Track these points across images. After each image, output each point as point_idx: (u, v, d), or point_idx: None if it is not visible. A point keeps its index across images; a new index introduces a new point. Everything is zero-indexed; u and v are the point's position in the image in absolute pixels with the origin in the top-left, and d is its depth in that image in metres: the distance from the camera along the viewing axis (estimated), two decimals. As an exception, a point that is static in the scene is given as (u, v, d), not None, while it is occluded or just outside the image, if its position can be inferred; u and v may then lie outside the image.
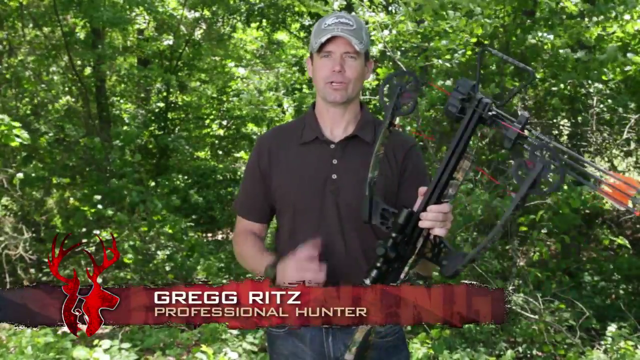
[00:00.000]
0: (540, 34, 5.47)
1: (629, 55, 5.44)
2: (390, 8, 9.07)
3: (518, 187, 1.78)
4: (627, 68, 5.77)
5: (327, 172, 2.30)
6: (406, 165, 2.35)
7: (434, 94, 5.54)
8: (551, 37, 5.44)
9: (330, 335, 2.29)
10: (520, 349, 5.52)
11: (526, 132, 1.84)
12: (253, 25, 10.97)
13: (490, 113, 1.88)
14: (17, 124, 5.49)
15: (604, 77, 6.09)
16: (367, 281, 2.00)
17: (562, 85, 6.48)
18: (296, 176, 2.33)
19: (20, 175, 7.31)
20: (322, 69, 2.29)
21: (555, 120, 7.36)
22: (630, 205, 1.69)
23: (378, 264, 2.00)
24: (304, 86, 11.01)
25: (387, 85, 2.11)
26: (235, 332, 5.64)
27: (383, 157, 2.19)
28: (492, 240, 1.92)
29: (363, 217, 2.08)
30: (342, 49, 2.25)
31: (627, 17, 5.70)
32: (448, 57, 5.59)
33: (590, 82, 6.36)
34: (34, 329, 5.33)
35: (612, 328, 5.22)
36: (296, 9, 5.91)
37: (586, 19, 5.68)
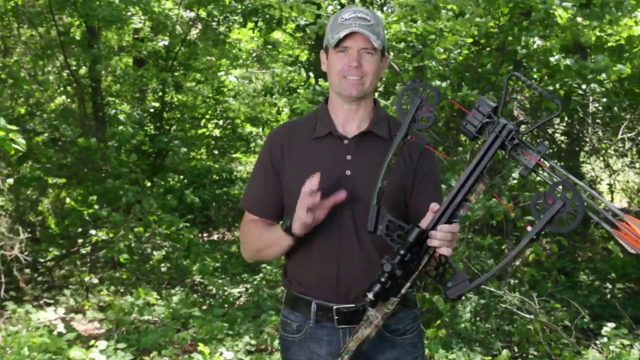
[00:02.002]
0: (533, 39, 5.46)
1: (619, 66, 5.44)
2: (384, 8, 9.07)
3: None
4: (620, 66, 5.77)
5: (341, 168, 2.26)
6: (421, 164, 2.33)
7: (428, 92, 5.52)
8: (540, 42, 5.44)
9: (348, 335, 2.23)
10: (516, 349, 5.53)
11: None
12: (249, 25, 10.95)
13: (513, 141, 1.87)
14: (14, 127, 5.47)
15: (598, 78, 6.10)
16: (370, 295, 1.97)
17: (557, 85, 6.48)
18: (309, 172, 2.22)
19: (10, 180, 7.30)
20: (338, 63, 2.24)
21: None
22: None
23: (382, 279, 1.96)
24: (298, 86, 11.00)
25: (405, 95, 2.09)
26: (231, 332, 5.65)
27: (394, 165, 2.16)
28: (500, 270, 1.92)
29: (368, 227, 2.04)
30: (359, 45, 2.21)
31: (624, 20, 5.70)
32: (444, 56, 5.59)
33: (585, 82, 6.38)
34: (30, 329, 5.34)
35: (607, 328, 5.23)
36: (285, 14, 5.89)
37: (581, 20, 5.67)
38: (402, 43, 5.80)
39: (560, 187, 1.75)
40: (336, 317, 2.26)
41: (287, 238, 2.19)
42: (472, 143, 5.73)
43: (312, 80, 5.90)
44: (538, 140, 7.51)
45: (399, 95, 2.10)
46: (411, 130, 2.07)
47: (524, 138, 1.88)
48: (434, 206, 1.98)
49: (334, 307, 2.25)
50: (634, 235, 1.67)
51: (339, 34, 2.20)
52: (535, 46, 5.41)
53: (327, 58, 2.33)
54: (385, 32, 2.37)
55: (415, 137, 2.13)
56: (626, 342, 5.01)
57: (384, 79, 6.58)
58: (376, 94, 6.13)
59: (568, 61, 5.48)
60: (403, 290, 2.03)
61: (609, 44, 6.43)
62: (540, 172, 1.86)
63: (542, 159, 1.83)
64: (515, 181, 5.69)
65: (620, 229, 1.70)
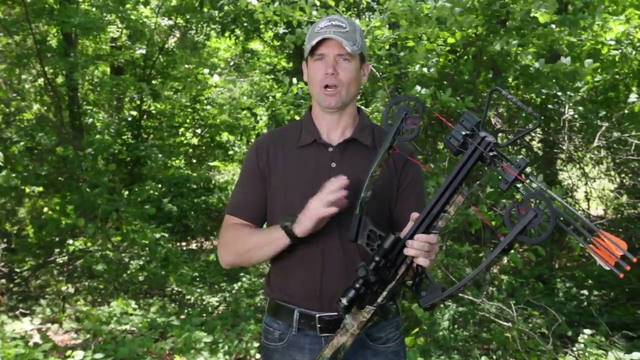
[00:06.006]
0: (513, 42, 5.49)
1: (587, 61, 5.46)
2: (363, 16, 9.09)
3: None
4: (598, 78, 5.81)
5: (326, 175, 2.23)
6: (406, 174, 2.33)
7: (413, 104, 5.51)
8: (515, 43, 5.46)
9: None
10: (494, 357, 5.55)
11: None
12: (227, 34, 10.96)
13: (491, 153, 1.85)
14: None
15: (575, 86, 6.15)
16: (344, 300, 1.98)
17: (534, 95, 6.53)
18: (294, 179, 2.28)
19: None
20: (316, 72, 2.25)
21: (528, 127, 7.42)
22: (616, 266, 1.67)
23: (357, 285, 1.97)
24: (278, 94, 11.02)
25: (392, 108, 2.10)
26: (209, 340, 5.62)
27: (378, 178, 2.16)
28: (472, 279, 1.91)
29: (349, 236, 2.05)
30: (334, 51, 2.22)
31: (599, 23, 5.75)
32: (422, 62, 5.61)
33: (561, 89, 6.43)
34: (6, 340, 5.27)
35: (584, 334, 5.26)
36: (268, 17, 5.87)
37: (557, 28, 5.72)
38: (382, 50, 5.81)
39: (534, 198, 1.75)
40: (319, 325, 2.25)
41: (285, 239, 2.17)
42: (448, 152, 5.75)
43: (294, 89, 5.89)
44: (515, 148, 7.57)
45: (386, 108, 2.10)
46: (396, 142, 2.08)
47: (503, 150, 1.88)
48: (415, 215, 1.98)
49: (317, 316, 2.25)
50: (608, 251, 1.67)
51: (312, 42, 2.21)
52: (508, 47, 5.42)
53: (307, 68, 2.34)
54: (364, 39, 2.36)
55: (399, 148, 2.14)
56: (601, 351, 5.04)
57: (362, 87, 6.58)
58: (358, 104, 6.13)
59: (538, 64, 5.49)
60: (380, 299, 2.03)
61: (584, 48, 6.47)
62: (520, 185, 1.86)
63: (521, 173, 1.83)
64: (492, 189, 5.72)
65: (595, 245, 1.69)
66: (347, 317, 2.08)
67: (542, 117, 7.16)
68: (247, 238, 2.30)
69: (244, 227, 2.35)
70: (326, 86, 2.24)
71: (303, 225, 2.11)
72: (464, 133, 1.89)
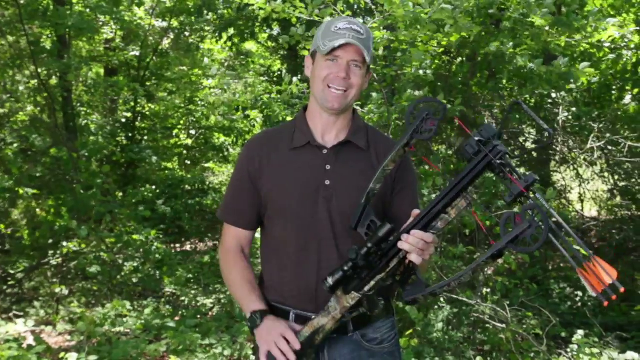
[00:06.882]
0: (508, 43, 5.49)
1: (583, 64, 5.45)
2: (361, 18, 9.09)
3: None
4: (594, 80, 5.82)
5: (320, 178, 2.26)
6: (400, 175, 2.33)
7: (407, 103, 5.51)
8: (510, 44, 5.46)
9: (326, 346, 2.25)
10: (488, 358, 5.55)
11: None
12: (223, 37, 10.94)
13: (499, 162, 1.85)
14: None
15: (568, 87, 6.15)
16: (330, 280, 2.02)
17: (527, 96, 6.53)
18: (288, 181, 2.27)
19: None
20: (324, 71, 2.24)
21: (522, 128, 7.43)
22: (603, 293, 1.65)
23: (345, 267, 2.01)
24: (272, 95, 11.01)
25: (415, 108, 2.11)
26: (204, 342, 5.61)
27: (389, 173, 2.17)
28: (458, 281, 1.92)
29: (351, 223, 2.08)
30: (350, 57, 2.21)
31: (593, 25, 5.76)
32: (417, 64, 5.59)
33: (555, 90, 6.44)
34: (-1, 342, 5.26)
35: (578, 335, 5.26)
36: (267, 13, 5.82)
37: (551, 29, 5.73)
38: (381, 51, 5.80)
39: (531, 210, 1.75)
40: None
41: (248, 323, 2.27)
42: (444, 152, 5.76)
43: (294, 88, 5.88)
44: (509, 149, 7.57)
45: (409, 109, 2.10)
46: (413, 140, 2.09)
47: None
48: (416, 212, 1.99)
49: (313, 318, 2.24)
50: (598, 277, 1.66)
51: (332, 43, 2.18)
52: (503, 48, 5.42)
53: (312, 63, 2.32)
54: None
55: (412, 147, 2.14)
56: (595, 350, 5.05)
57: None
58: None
59: (532, 65, 5.48)
60: (366, 288, 2.05)
61: (579, 49, 6.48)
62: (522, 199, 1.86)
63: (528, 189, 1.82)
64: (486, 190, 5.72)
65: (586, 269, 1.69)
66: (332, 299, 2.11)
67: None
68: (233, 287, 2.40)
69: (236, 266, 2.40)
70: (333, 87, 2.23)
71: (258, 338, 2.21)
72: (477, 139, 1.89)
